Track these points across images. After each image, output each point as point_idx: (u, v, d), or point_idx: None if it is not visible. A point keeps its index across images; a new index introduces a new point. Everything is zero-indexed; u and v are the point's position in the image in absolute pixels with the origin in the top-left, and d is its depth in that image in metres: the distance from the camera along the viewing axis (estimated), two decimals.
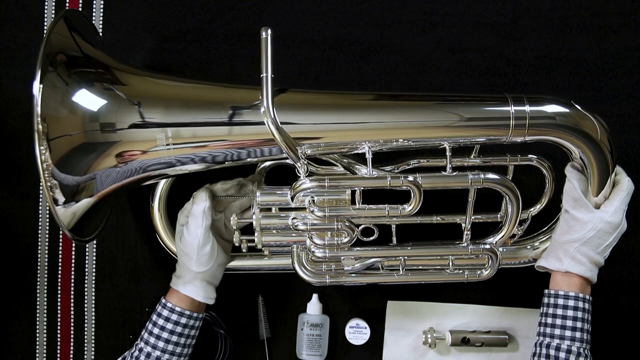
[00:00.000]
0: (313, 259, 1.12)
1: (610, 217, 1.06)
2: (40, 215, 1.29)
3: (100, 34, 1.27)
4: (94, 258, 1.30)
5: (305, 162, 1.04)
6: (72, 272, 1.30)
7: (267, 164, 1.19)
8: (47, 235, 1.30)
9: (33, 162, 0.93)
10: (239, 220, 1.12)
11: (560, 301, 1.07)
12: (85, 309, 1.30)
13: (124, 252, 1.30)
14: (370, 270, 1.15)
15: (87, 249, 1.30)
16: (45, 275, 1.30)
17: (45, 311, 1.30)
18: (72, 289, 1.30)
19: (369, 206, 1.07)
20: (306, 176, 1.05)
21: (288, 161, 1.07)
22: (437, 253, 1.14)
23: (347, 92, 1.08)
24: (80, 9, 1.28)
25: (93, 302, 1.30)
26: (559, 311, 1.07)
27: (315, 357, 1.26)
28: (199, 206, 1.10)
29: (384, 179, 1.05)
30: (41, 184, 0.95)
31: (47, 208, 1.28)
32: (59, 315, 1.31)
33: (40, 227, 1.30)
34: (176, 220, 1.18)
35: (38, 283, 1.30)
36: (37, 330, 1.30)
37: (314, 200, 1.07)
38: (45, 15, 1.28)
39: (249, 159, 1.07)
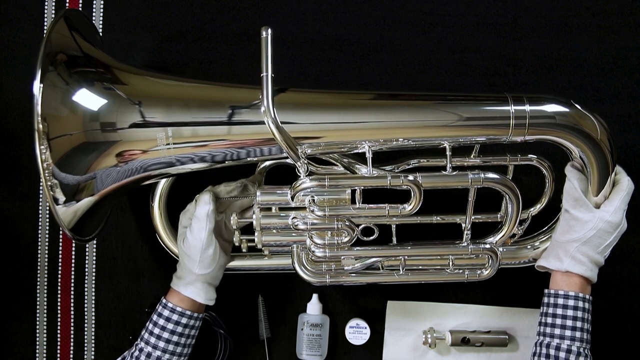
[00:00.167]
0: (313, 258, 1.12)
1: (611, 216, 1.06)
2: (40, 215, 1.29)
3: (100, 34, 1.27)
4: (94, 258, 1.30)
5: (305, 162, 1.04)
6: (72, 272, 1.30)
7: (267, 163, 1.20)
8: (47, 235, 1.30)
9: (33, 161, 0.93)
10: (239, 220, 1.12)
11: (560, 301, 1.07)
12: (85, 309, 1.30)
13: (124, 252, 1.30)
14: (370, 270, 1.15)
15: (87, 249, 1.30)
16: (45, 275, 1.30)
17: (45, 311, 1.30)
18: (72, 289, 1.30)
19: (369, 206, 1.07)
20: (306, 175, 1.05)
21: (288, 161, 1.07)
22: (437, 253, 1.14)
23: (347, 91, 1.08)
24: (80, 9, 1.28)
25: (93, 302, 1.30)
26: (559, 311, 1.07)
27: (315, 357, 1.26)
28: (202, 209, 1.10)
29: (384, 178, 1.05)
30: (41, 183, 0.95)
31: (47, 208, 1.28)
32: (59, 315, 1.30)
33: (40, 227, 1.30)
34: (176, 220, 1.18)
35: (38, 283, 1.30)
36: (37, 330, 1.30)
37: (314, 200, 1.07)
38: (45, 15, 1.28)
39: (249, 159, 1.07)
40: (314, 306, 1.28)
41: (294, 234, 1.12)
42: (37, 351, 1.30)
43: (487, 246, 1.13)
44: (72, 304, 1.30)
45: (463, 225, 1.15)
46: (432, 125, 1.05)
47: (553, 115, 1.04)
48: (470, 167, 1.12)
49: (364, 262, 1.13)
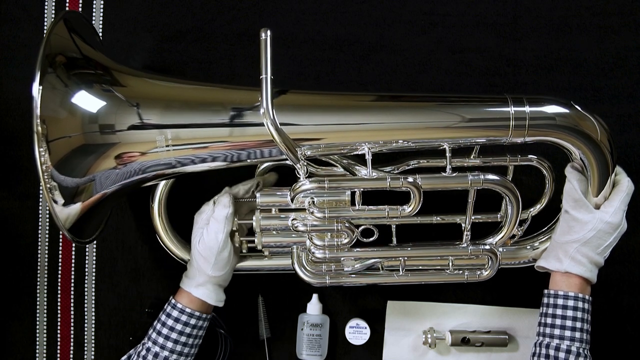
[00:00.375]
0: (313, 259, 1.12)
1: (610, 217, 1.05)
2: (40, 215, 1.29)
3: (100, 35, 1.27)
4: (94, 258, 1.30)
5: (305, 163, 1.04)
6: (72, 272, 1.30)
7: (267, 165, 1.19)
8: (47, 235, 1.30)
9: (33, 162, 0.93)
10: (239, 222, 1.12)
11: (560, 301, 1.07)
12: (85, 309, 1.31)
13: (124, 252, 1.30)
14: (370, 271, 1.15)
15: (87, 250, 1.30)
16: (45, 275, 1.30)
17: (45, 311, 1.30)
18: (72, 289, 1.30)
19: (368, 207, 1.07)
20: (306, 177, 1.05)
21: (288, 162, 1.07)
22: (437, 253, 1.14)
23: (347, 93, 1.08)
24: (80, 10, 1.27)
25: (93, 302, 1.30)
26: (559, 311, 1.07)
27: (315, 357, 1.26)
28: (222, 212, 1.10)
29: (383, 180, 1.05)
30: (41, 185, 0.95)
31: (47, 208, 1.28)
32: (59, 315, 1.31)
33: (40, 227, 1.30)
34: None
35: (38, 283, 1.30)
36: (37, 330, 1.30)
37: (313, 201, 1.07)
38: (45, 16, 1.28)
39: (248, 160, 1.07)
40: (314, 306, 1.28)
41: (293, 235, 1.12)
42: (37, 351, 1.31)
43: (487, 247, 1.13)
44: (72, 304, 1.30)
45: (463, 225, 1.15)
46: (432, 126, 1.05)
47: (553, 116, 1.04)
48: (470, 168, 1.12)
49: (363, 263, 1.13)
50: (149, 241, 1.28)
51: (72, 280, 1.30)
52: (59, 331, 1.31)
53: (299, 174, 1.05)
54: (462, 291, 1.30)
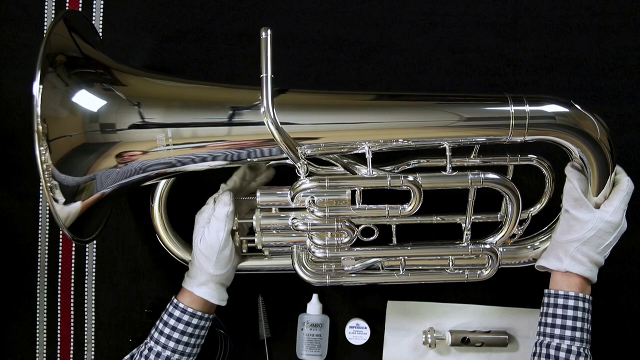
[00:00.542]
0: (313, 259, 1.12)
1: (610, 216, 1.06)
2: (40, 215, 1.29)
3: (100, 34, 1.27)
4: (94, 258, 1.30)
5: (305, 162, 1.04)
6: (72, 272, 1.30)
7: (267, 164, 1.19)
8: (47, 235, 1.30)
9: (33, 161, 0.93)
10: (240, 221, 1.12)
11: (560, 301, 1.07)
12: (85, 309, 1.30)
13: (124, 252, 1.30)
14: (370, 271, 1.15)
15: (87, 249, 1.30)
16: (45, 275, 1.30)
17: (45, 311, 1.30)
18: (72, 289, 1.30)
19: (369, 206, 1.07)
20: (306, 176, 1.05)
21: (288, 161, 1.07)
22: (437, 253, 1.14)
23: (347, 92, 1.08)
24: (80, 9, 1.27)
25: (93, 302, 1.30)
26: (559, 311, 1.07)
27: (315, 357, 1.26)
28: (222, 210, 1.10)
29: (383, 179, 1.05)
30: (41, 184, 0.95)
31: (47, 208, 1.28)
32: (59, 315, 1.31)
33: (40, 227, 1.30)
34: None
35: (38, 283, 1.30)
36: (37, 330, 1.30)
37: (314, 201, 1.07)
38: (45, 16, 1.28)
39: (249, 159, 1.07)
40: (314, 306, 1.28)
41: (294, 235, 1.12)
42: (37, 351, 1.30)
43: (487, 246, 1.13)
44: (72, 304, 1.30)
45: (463, 225, 1.15)
46: (432, 125, 1.05)
47: (553, 115, 1.04)
48: (470, 168, 1.12)
49: (364, 263, 1.13)
50: (149, 241, 1.28)
51: (72, 280, 1.30)
52: (59, 331, 1.31)
53: (299, 173, 1.05)
54: (462, 291, 1.30)
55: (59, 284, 1.30)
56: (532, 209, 1.20)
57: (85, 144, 0.98)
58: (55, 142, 0.94)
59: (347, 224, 1.08)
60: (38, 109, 0.91)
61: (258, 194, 1.10)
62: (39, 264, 1.30)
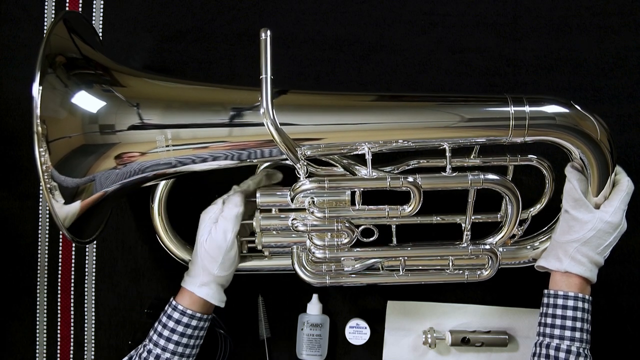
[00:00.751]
0: (313, 259, 1.12)
1: (610, 217, 1.05)
2: (40, 215, 1.29)
3: (100, 35, 1.27)
4: (94, 258, 1.30)
5: (305, 163, 1.04)
6: (72, 272, 1.30)
7: (267, 165, 1.19)
8: (47, 235, 1.30)
9: (33, 162, 0.93)
10: (241, 222, 1.12)
11: (560, 301, 1.07)
12: (85, 309, 1.31)
13: (124, 252, 1.30)
14: (370, 271, 1.15)
15: (87, 249, 1.30)
16: (45, 275, 1.30)
17: (45, 311, 1.30)
18: (72, 289, 1.30)
19: (368, 207, 1.07)
20: (306, 177, 1.05)
21: (288, 162, 1.07)
22: (437, 253, 1.14)
23: (347, 93, 1.08)
24: (80, 10, 1.27)
25: (93, 302, 1.30)
26: (559, 311, 1.07)
27: (315, 357, 1.26)
28: (232, 211, 1.10)
29: (383, 179, 1.05)
30: (41, 185, 0.95)
31: (47, 208, 1.28)
32: (59, 315, 1.31)
33: (40, 227, 1.30)
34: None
35: (38, 283, 1.30)
36: (37, 330, 1.30)
37: (313, 201, 1.07)
38: (45, 16, 1.28)
39: (249, 160, 1.07)
40: (314, 306, 1.28)
41: (293, 235, 1.12)
42: (37, 351, 1.31)
43: (487, 247, 1.13)
44: (72, 304, 1.30)
45: (463, 225, 1.15)
46: (432, 126, 1.05)
47: (553, 116, 1.04)
48: (470, 168, 1.12)
49: (364, 263, 1.13)
50: (149, 241, 1.28)
51: (72, 280, 1.30)
52: (59, 331, 1.31)
53: (299, 173, 1.05)
54: (462, 291, 1.30)
55: (59, 284, 1.30)
56: (532, 209, 1.20)
57: (84, 145, 0.97)
58: (55, 143, 0.94)
59: (347, 224, 1.08)
60: (38, 111, 0.91)
61: (258, 194, 1.10)
62: (39, 264, 1.30)
